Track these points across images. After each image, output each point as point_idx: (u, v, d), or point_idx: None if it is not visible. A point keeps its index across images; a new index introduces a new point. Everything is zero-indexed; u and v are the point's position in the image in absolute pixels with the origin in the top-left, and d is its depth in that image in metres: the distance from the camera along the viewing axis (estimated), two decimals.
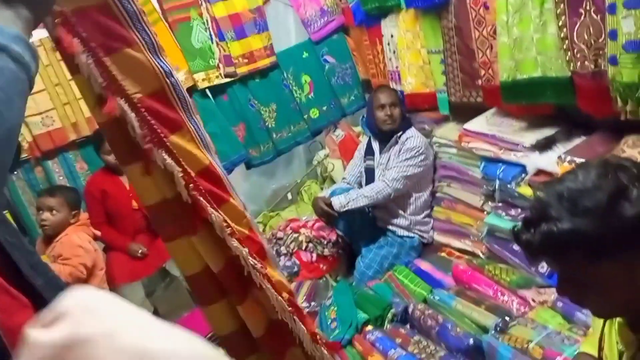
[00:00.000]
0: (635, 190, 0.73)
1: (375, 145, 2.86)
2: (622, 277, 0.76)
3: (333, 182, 3.57)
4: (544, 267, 1.98)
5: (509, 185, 2.14)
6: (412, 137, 2.69)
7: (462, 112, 2.62)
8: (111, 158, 2.74)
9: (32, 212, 2.88)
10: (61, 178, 3.00)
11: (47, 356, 0.34)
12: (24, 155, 2.91)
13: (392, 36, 2.98)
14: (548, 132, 2.18)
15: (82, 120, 2.98)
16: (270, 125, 3.44)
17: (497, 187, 2.20)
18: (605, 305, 0.81)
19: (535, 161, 2.07)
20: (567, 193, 0.76)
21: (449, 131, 2.65)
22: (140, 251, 2.71)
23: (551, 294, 1.81)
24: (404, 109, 2.80)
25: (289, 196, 3.78)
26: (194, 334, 0.40)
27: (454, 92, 2.62)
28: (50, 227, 2.43)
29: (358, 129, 3.61)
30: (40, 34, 2.87)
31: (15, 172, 2.94)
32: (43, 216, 2.43)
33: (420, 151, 2.64)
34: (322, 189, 3.67)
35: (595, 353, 1.08)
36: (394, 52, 3.01)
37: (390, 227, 2.73)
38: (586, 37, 1.83)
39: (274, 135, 3.46)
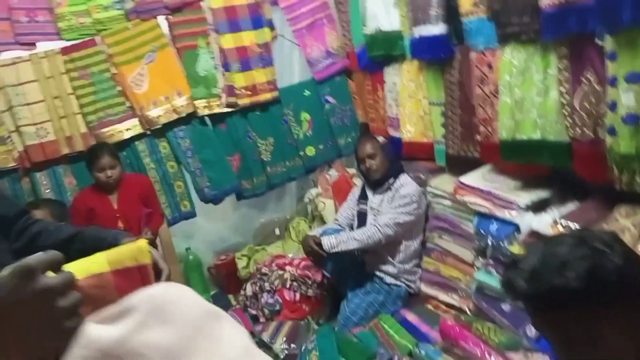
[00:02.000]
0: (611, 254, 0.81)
1: (369, 190, 2.86)
2: (615, 332, 0.80)
3: (323, 221, 3.54)
4: (532, 330, 1.96)
5: (501, 243, 2.14)
6: (405, 185, 2.70)
7: (459, 165, 2.64)
8: (102, 176, 2.70)
9: None
10: (47, 191, 2.94)
11: (102, 350, 0.31)
12: (12, 164, 2.85)
13: (394, 84, 3.04)
14: (543, 193, 2.20)
15: (77, 135, 2.94)
16: (265, 159, 3.43)
17: (489, 243, 2.19)
18: None
19: (529, 222, 2.07)
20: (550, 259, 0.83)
21: (444, 182, 2.67)
22: None
23: (538, 358, 1.77)
24: (389, 155, 2.79)
25: (277, 231, 3.74)
26: None
27: (452, 144, 2.65)
28: None
29: (352, 170, 3.62)
30: (44, 46, 2.89)
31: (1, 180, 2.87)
32: None
33: (414, 199, 2.64)
34: (310, 227, 3.64)
35: None
36: (395, 99, 3.06)
37: (378, 274, 2.69)
38: (587, 105, 1.87)
39: (268, 169, 3.45)
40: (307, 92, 3.52)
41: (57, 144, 2.91)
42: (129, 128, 3.05)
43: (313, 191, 3.68)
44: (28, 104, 2.84)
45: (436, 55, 2.53)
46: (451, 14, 2.41)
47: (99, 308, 0.75)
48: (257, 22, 3.27)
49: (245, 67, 3.27)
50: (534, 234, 2.07)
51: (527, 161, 2.16)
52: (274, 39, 3.39)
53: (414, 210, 2.64)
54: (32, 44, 2.85)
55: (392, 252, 2.69)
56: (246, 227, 3.72)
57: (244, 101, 3.29)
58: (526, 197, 2.17)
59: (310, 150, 3.55)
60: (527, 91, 2.06)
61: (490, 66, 2.25)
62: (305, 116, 3.53)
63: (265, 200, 3.76)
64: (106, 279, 0.77)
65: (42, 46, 2.89)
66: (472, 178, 2.44)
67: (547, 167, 2.18)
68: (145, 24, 3.01)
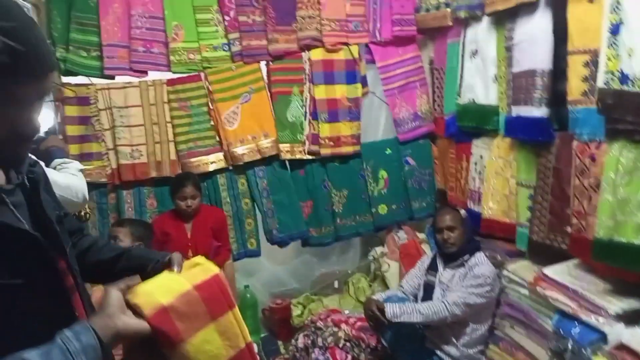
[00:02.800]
0: None
1: (440, 262, 2.75)
2: None
3: (384, 282, 3.45)
4: None
5: (583, 350, 1.96)
6: (481, 264, 2.57)
7: (541, 253, 2.49)
8: (183, 204, 2.80)
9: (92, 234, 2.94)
10: (130, 209, 3.08)
11: None
12: (104, 179, 3.03)
13: (481, 157, 2.96)
14: (637, 303, 2.01)
15: (166, 160, 3.09)
16: (337, 210, 3.43)
17: (569, 347, 2.02)
18: None
19: (619, 333, 1.89)
20: None
21: (523, 269, 2.51)
22: None
23: None
24: (468, 230, 2.69)
25: (336, 284, 3.68)
26: None
27: (537, 230, 2.51)
28: None
29: (422, 235, 3.53)
30: (153, 75, 3.10)
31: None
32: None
33: (488, 281, 2.51)
34: (370, 286, 3.56)
35: None
36: (480, 173, 2.97)
37: (438, 353, 2.55)
38: None
39: (338, 220, 3.44)
40: (388, 151, 3.52)
41: (147, 167, 3.07)
42: (214, 161, 3.17)
43: (378, 250, 3.61)
44: (129, 126, 3.04)
45: (533, 137, 2.45)
46: (556, 99, 2.34)
47: (192, 322, 0.79)
48: (351, 77, 3.35)
49: (333, 118, 3.33)
50: (623, 348, 1.88)
51: (623, 266, 2.00)
52: (365, 95, 3.45)
53: (487, 292, 2.50)
54: (144, 72, 3.07)
55: (457, 333, 2.54)
56: (306, 275, 3.70)
57: (326, 151, 3.33)
58: (617, 305, 1.99)
59: (382, 209, 3.52)
60: (633, 192, 1.92)
61: (593, 158, 2.14)
62: (382, 174, 3.52)
63: (329, 251, 3.73)
64: (193, 294, 0.85)
65: (151, 75, 3.10)
66: (556, 271, 2.28)
67: None
68: (248, 66, 3.17)
